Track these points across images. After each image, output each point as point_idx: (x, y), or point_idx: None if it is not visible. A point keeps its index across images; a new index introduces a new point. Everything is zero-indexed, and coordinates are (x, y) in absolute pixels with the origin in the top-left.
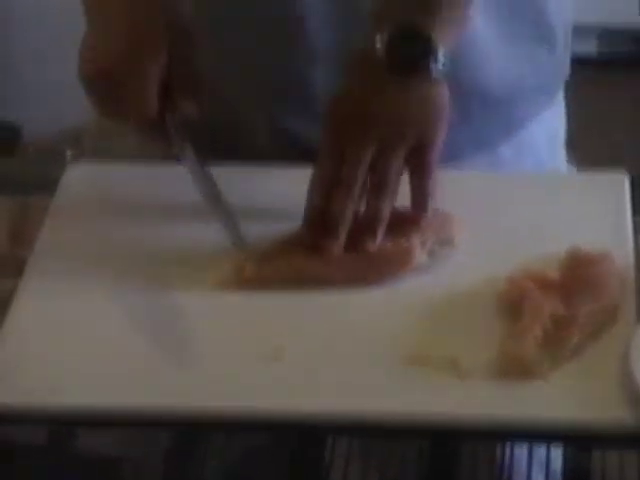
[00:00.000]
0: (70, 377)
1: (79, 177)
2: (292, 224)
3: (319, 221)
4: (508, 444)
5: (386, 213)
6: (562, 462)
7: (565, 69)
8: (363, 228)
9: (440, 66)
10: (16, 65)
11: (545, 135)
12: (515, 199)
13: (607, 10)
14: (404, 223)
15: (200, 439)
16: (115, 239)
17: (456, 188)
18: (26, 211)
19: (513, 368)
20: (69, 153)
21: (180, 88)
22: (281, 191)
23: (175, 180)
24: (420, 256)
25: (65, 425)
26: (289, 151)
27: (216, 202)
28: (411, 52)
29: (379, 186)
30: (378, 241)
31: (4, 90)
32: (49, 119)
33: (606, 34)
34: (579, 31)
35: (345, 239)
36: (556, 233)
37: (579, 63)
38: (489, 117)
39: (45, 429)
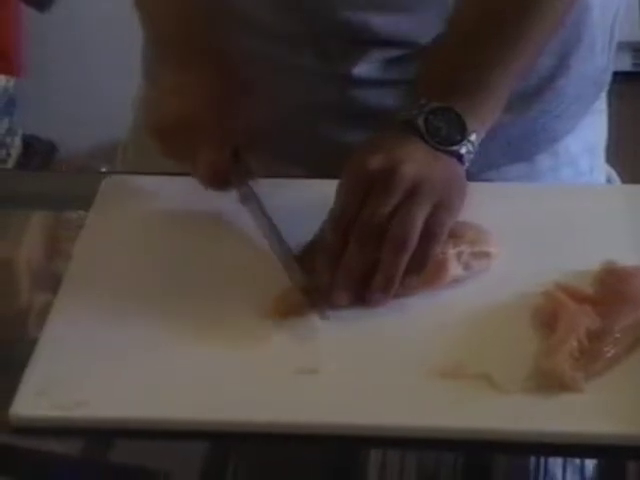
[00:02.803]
0: (104, 390)
1: (115, 190)
2: None
3: (333, 259)
4: (542, 458)
5: (401, 270)
6: (597, 476)
7: (605, 79)
8: (376, 281)
9: (470, 152)
10: (53, 83)
11: (583, 145)
12: (550, 211)
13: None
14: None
15: (233, 451)
16: (150, 252)
17: (491, 200)
18: (61, 226)
19: (548, 382)
20: (103, 169)
21: (247, 143)
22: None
23: (210, 194)
24: (455, 269)
25: (98, 437)
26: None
27: (277, 243)
28: (448, 130)
29: (402, 242)
30: (389, 299)
31: (41, 107)
32: (84, 136)
33: None
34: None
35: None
36: (591, 247)
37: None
38: (526, 133)
39: (79, 441)
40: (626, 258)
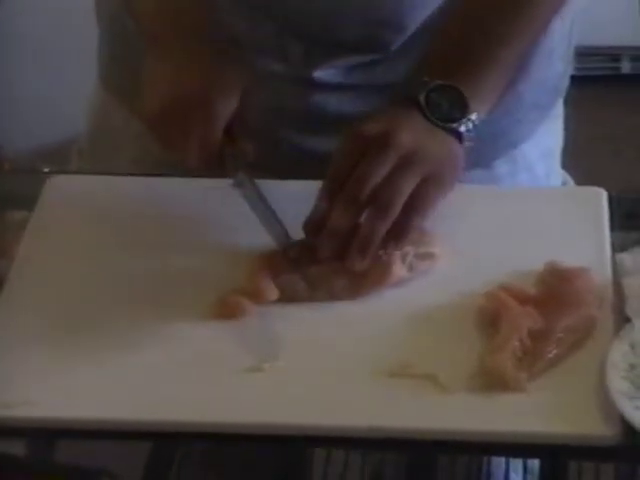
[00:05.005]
0: (48, 390)
1: (59, 191)
2: None
3: (320, 224)
4: (485, 457)
5: (381, 236)
6: (539, 474)
7: (563, 85)
8: (355, 243)
9: (470, 131)
10: None
11: (540, 151)
12: (493, 213)
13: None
14: (385, 236)
15: (177, 452)
16: (94, 253)
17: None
18: (4, 226)
19: (491, 381)
20: (46, 169)
21: (241, 128)
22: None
23: (155, 193)
24: (400, 270)
25: (42, 437)
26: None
27: (276, 226)
28: (449, 108)
29: (384, 207)
30: (366, 263)
31: None
32: (27, 136)
33: (584, 53)
34: None
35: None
36: (535, 248)
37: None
38: (485, 137)
39: (24, 441)
40: (570, 259)
